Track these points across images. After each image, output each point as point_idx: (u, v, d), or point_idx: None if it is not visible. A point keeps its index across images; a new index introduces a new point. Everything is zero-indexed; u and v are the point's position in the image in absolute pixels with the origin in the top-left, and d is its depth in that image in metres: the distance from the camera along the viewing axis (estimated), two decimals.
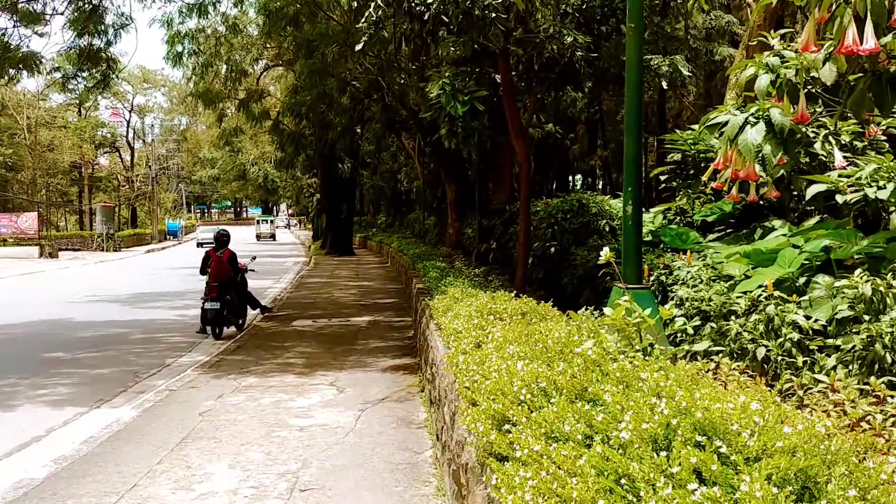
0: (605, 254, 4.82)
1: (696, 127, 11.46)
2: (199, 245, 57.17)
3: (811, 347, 5.11)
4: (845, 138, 9.21)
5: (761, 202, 9.00)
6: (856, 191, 7.88)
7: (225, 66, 32.43)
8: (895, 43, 6.02)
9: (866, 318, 4.57)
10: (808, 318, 5.24)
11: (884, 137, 9.29)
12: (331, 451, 7.13)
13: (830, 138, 8.96)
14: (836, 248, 6.43)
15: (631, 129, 7.27)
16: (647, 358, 3.58)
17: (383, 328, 15.55)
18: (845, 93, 6.72)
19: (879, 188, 7.70)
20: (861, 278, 4.88)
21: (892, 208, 8.00)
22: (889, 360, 4.26)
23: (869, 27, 5.23)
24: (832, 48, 6.12)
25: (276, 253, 48.94)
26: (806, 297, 5.40)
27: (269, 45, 35.15)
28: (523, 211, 13.21)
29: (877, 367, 4.32)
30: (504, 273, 16.66)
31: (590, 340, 3.75)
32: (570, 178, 46.23)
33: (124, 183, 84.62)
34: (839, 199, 7.99)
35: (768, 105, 6.59)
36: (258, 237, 73.73)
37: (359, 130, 38.23)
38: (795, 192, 9.34)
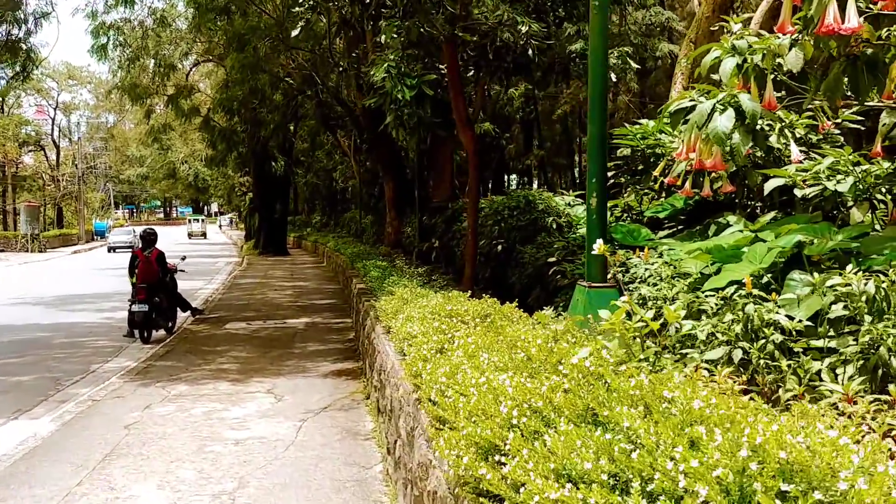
0: (599, 246, 4.37)
1: (645, 122, 11.17)
2: (111, 250, 52.44)
3: (795, 350, 4.72)
4: (800, 132, 9.01)
5: (711, 198, 8.71)
6: (813, 185, 7.68)
7: (153, 61, 31.52)
8: (867, 27, 5.76)
9: (868, 318, 4.19)
10: (790, 317, 4.86)
11: (837, 131, 9.13)
12: (270, 468, 6.55)
13: (786, 131, 8.78)
14: (809, 244, 6.09)
15: (595, 118, 6.80)
16: (658, 371, 3.06)
17: (322, 330, 14.95)
18: (814, 79, 6.45)
19: (838, 182, 7.53)
20: (856, 275, 4.50)
21: (850, 202, 7.84)
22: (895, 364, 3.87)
23: (851, 5, 4.90)
24: (799, 33, 5.85)
25: (208, 253, 47.87)
26: (791, 296, 5.01)
27: (199, 40, 34.24)
28: (472, 206, 12.68)
29: (880, 373, 3.94)
30: (448, 272, 16.20)
31: (584, 348, 3.24)
32: (507, 177, 46.10)
33: (50, 182, 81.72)
34: (798, 192, 7.81)
35: (736, 91, 6.24)
36: (190, 235, 75.47)
37: (292, 128, 37.62)
38: (746, 187, 9.12)
